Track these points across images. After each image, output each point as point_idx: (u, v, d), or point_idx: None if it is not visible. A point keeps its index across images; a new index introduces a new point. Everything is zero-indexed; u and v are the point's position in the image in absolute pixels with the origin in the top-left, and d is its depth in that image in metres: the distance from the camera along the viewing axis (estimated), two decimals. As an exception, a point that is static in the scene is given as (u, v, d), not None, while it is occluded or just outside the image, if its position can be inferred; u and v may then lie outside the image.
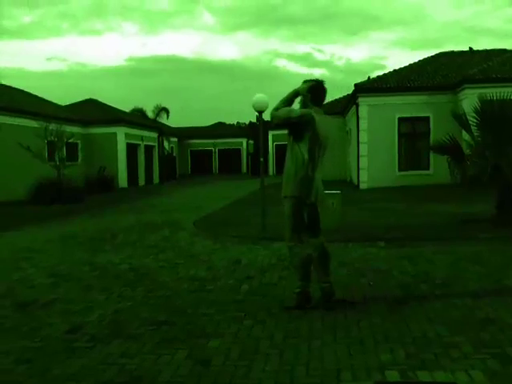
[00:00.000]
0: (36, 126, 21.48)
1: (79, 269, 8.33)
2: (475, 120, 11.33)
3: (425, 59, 26.63)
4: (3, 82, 29.58)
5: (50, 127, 21.44)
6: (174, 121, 56.40)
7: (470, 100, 14.80)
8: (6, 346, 4.83)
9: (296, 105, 5.83)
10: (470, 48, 27.97)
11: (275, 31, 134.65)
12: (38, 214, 16.61)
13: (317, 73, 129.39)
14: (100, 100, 35.85)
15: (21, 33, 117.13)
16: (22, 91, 29.12)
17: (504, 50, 25.36)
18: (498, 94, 11.04)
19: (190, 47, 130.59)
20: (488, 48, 27.20)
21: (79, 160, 28.65)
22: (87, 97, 35.72)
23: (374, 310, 5.57)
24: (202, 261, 8.70)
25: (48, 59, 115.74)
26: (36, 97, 29.63)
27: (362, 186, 22.83)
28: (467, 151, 11.50)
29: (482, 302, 5.75)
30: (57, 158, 21.50)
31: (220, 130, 55.93)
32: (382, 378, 3.87)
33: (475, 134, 11.48)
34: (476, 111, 11.27)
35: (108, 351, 4.60)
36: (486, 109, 11.10)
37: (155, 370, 4.17)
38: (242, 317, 5.46)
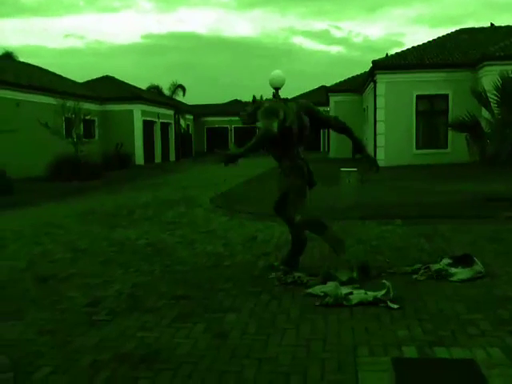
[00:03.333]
0: (54, 102, 21.60)
1: (98, 244, 8.44)
2: (495, 97, 11.14)
3: (445, 36, 26.12)
4: (21, 60, 29.75)
5: (68, 104, 21.51)
6: (190, 98, 56.34)
7: (490, 77, 14.47)
8: (28, 317, 4.94)
9: None
10: (492, 24, 27.35)
11: (292, 8, 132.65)
12: (56, 190, 16.79)
13: (334, 50, 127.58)
14: (116, 77, 35.85)
15: (39, 10, 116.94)
16: (39, 68, 29.19)
17: (527, 27, 24.78)
18: (519, 72, 10.84)
19: (206, 24, 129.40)
20: (511, 24, 26.53)
21: (96, 137, 28.80)
22: (104, 74, 35.72)
23: (390, 286, 5.55)
24: (218, 237, 8.75)
25: (66, 36, 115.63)
26: (54, 74, 29.67)
27: (379, 163, 22.67)
28: (487, 129, 11.33)
29: (501, 280, 5.72)
30: (74, 135, 21.61)
31: (236, 107, 55.59)
32: (399, 354, 3.89)
33: (495, 111, 11.29)
34: (497, 88, 11.07)
35: (127, 324, 4.68)
36: (507, 86, 10.90)
37: (173, 343, 4.23)
38: (259, 292, 5.50)
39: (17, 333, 4.55)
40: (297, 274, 5.92)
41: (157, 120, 34.45)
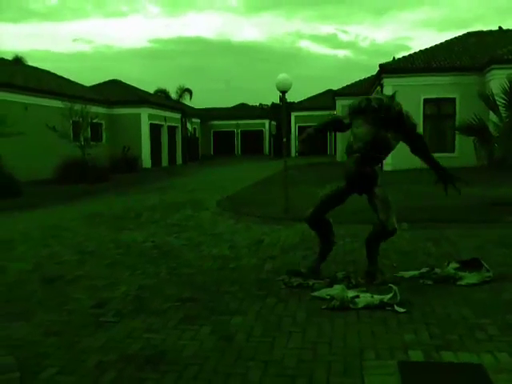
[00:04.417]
0: (61, 106, 21.70)
1: (104, 246, 8.46)
2: (503, 101, 11.11)
3: (452, 39, 26.06)
4: (30, 64, 29.93)
5: (75, 107, 21.62)
6: (196, 102, 56.39)
7: (498, 81, 14.40)
8: (35, 318, 4.96)
9: None
10: (500, 27, 27.25)
11: (299, 12, 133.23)
12: (64, 193, 16.86)
13: (341, 54, 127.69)
14: (124, 81, 35.99)
15: (47, 15, 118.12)
16: (48, 72, 29.35)
17: (535, 30, 24.70)
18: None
19: (213, 29, 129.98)
20: (519, 27, 26.45)
21: (103, 140, 28.90)
22: (112, 78, 35.90)
23: (397, 290, 5.53)
24: (224, 240, 8.75)
25: (74, 41, 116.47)
26: (62, 78, 29.84)
27: (386, 167, 22.55)
28: (494, 133, 11.29)
29: (509, 284, 5.68)
30: (82, 138, 21.71)
31: (243, 111, 55.75)
32: (405, 358, 3.87)
33: (503, 115, 11.25)
34: (505, 92, 11.05)
35: (133, 326, 4.69)
36: (516, 89, 10.86)
37: (179, 344, 4.23)
38: (265, 295, 5.49)
39: (24, 333, 4.56)
40: (302, 277, 5.90)
41: (164, 123, 34.54)
